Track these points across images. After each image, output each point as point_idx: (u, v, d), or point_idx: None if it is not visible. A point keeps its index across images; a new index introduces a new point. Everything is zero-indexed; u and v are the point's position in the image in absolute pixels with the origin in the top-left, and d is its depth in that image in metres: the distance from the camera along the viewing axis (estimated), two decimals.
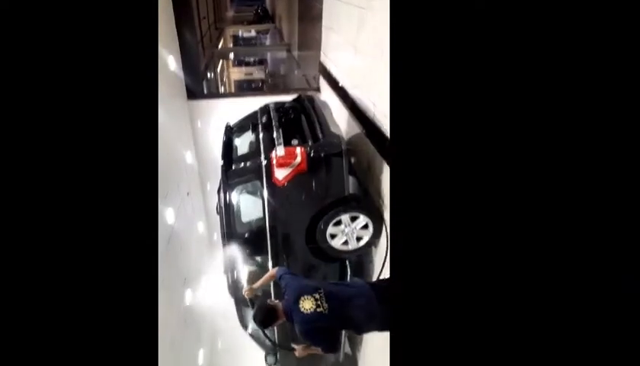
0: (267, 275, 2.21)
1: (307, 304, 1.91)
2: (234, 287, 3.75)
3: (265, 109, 3.39)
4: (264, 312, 2.00)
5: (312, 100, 3.49)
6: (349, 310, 1.95)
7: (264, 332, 3.92)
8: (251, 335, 4.09)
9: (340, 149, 2.87)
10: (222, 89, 12.10)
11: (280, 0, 12.54)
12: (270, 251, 3.34)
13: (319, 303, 1.91)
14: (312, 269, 3.38)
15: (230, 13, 15.65)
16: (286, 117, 3.15)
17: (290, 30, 9.58)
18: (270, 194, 2.99)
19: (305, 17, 6.94)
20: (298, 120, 3.16)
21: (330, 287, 1.99)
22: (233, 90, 14.58)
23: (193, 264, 5.06)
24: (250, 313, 4.01)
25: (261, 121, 3.16)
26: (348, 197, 3.11)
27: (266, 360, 4.05)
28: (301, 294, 1.93)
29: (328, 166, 2.90)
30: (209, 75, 8.66)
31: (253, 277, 3.85)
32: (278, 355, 4.05)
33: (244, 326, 4.06)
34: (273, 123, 3.01)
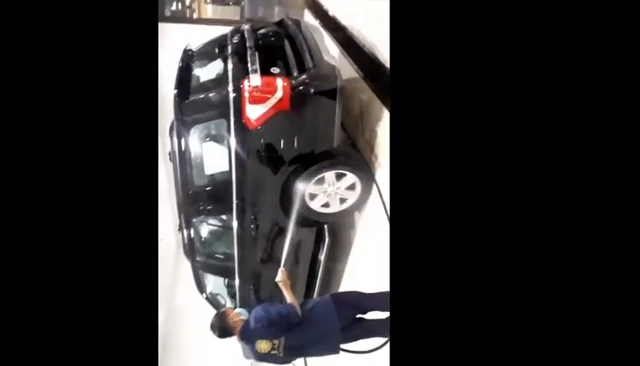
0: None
1: (263, 346, 1.94)
2: (190, 248, 3.21)
3: (238, 31, 2.63)
4: (221, 326, 2.01)
5: (298, 23, 2.77)
6: (307, 351, 2.11)
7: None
8: (207, 299, 3.65)
9: (334, 84, 2.23)
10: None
11: None
12: (235, 210, 2.78)
13: (276, 348, 1.95)
14: (283, 234, 2.88)
15: None
16: (265, 40, 2.44)
17: None
18: (239, 138, 2.35)
19: None
20: (280, 45, 2.46)
21: (292, 335, 1.97)
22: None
23: None
24: (206, 278, 3.52)
25: (232, 44, 2.42)
26: (336, 149, 2.56)
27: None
28: (259, 337, 1.94)
29: (317, 106, 2.27)
30: (174, 6, 7.54)
31: (214, 239, 3.33)
32: None
33: (201, 290, 3.59)
34: (248, 47, 2.30)
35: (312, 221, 2.88)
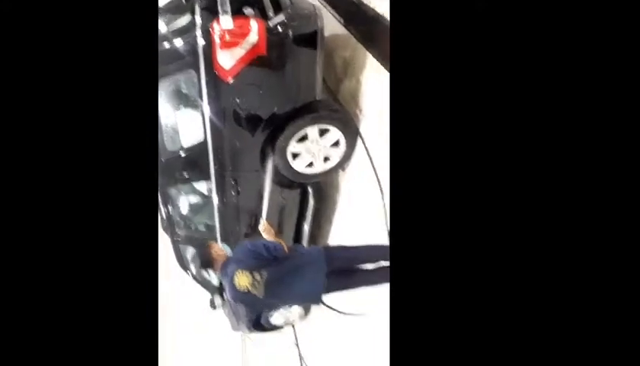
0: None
1: (242, 280, 1.78)
2: (169, 222, 3.01)
3: None
4: (203, 257, 1.97)
5: None
6: (287, 292, 1.92)
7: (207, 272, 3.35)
8: (194, 278, 3.50)
9: (315, 25, 2.03)
10: None
11: None
12: (213, 176, 2.59)
13: (256, 285, 1.80)
14: (266, 199, 2.74)
15: None
16: None
17: None
18: (212, 93, 2.13)
19: None
20: None
21: (276, 270, 1.85)
22: None
23: None
24: (188, 253, 3.35)
25: None
26: (319, 102, 2.40)
27: (212, 303, 3.51)
28: (240, 267, 1.80)
29: (297, 51, 2.08)
30: None
31: (194, 210, 3.15)
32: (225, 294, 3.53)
33: (184, 267, 3.43)
34: None
35: (295, 183, 2.75)
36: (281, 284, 1.87)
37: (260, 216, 2.64)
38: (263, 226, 2.03)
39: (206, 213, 2.84)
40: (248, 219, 2.90)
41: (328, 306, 2.87)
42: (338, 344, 3.46)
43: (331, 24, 2.79)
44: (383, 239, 2.39)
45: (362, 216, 2.77)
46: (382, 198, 2.48)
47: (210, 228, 2.95)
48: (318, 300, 2.08)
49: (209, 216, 2.88)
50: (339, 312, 2.86)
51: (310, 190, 2.94)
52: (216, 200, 2.70)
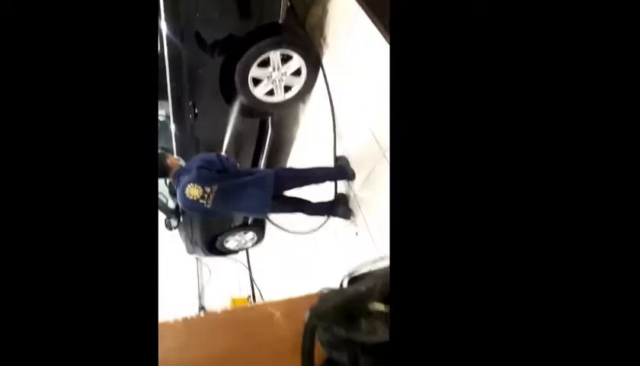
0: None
1: (193, 191, 1.90)
2: None
3: None
4: (159, 167, 2.01)
5: None
6: (235, 204, 2.04)
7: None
8: None
9: None
10: None
11: None
12: (170, 99, 2.51)
13: (205, 197, 1.92)
14: (224, 126, 2.74)
15: None
16: None
17: None
18: (169, 6, 2.01)
19: None
20: None
21: (226, 185, 1.97)
22: None
23: None
24: None
25: None
26: (282, 25, 2.35)
27: (167, 224, 3.57)
28: (192, 181, 1.91)
29: None
30: None
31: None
32: (181, 218, 3.60)
33: None
34: None
35: (254, 112, 2.76)
36: (229, 197, 1.99)
37: (222, 145, 2.66)
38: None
39: (163, 138, 2.79)
40: (206, 146, 2.90)
41: (274, 224, 3.10)
42: (287, 268, 3.78)
43: None
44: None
45: (317, 150, 2.90)
46: (334, 129, 2.60)
47: (167, 150, 2.91)
48: (265, 211, 2.31)
49: (166, 141, 2.83)
50: (284, 230, 3.11)
51: (269, 120, 2.97)
52: (172, 120, 2.65)
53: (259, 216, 3.62)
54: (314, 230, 2.78)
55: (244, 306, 1.32)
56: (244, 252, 4.73)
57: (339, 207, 2.45)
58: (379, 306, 0.78)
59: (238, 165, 2.13)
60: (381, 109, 2.14)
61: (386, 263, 0.91)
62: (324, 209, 2.51)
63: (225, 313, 0.89)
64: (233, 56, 2.37)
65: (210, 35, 2.25)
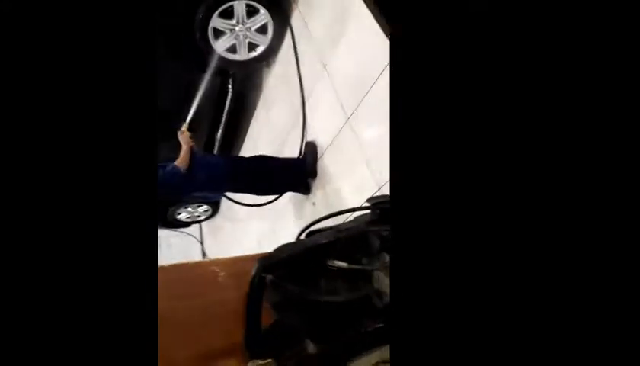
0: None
1: None
2: None
3: None
4: None
5: None
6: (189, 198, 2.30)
7: None
8: None
9: None
10: None
11: None
12: None
13: None
14: (179, 80, 2.51)
15: None
16: None
17: None
18: None
19: None
20: None
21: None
22: None
23: None
24: None
25: None
26: None
27: None
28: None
29: None
30: None
31: None
32: None
33: None
34: None
35: (216, 67, 2.56)
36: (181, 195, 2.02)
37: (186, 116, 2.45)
38: (183, 129, 2.06)
39: None
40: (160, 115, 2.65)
41: (229, 199, 2.96)
42: (243, 243, 3.65)
43: None
44: (294, 152, 2.46)
45: (280, 126, 2.77)
46: (303, 108, 2.47)
47: None
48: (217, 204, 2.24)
49: None
50: (240, 203, 2.98)
51: (230, 82, 2.78)
52: None
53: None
54: (270, 202, 2.66)
55: (185, 262, 1.20)
56: (198, 225, 4.52)
57: (302, 179, 2.35)
58: (340, 263, 0.68)
59: (185, 166, 2.01)
60: (347, 75, 2.05)
61: (348, 217, 0.82)
62: (284, 183, 2.40)
63: (164, 269, 0.78)
64: (192, 4, 2.15)
65: None
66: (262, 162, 2.35)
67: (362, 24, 1.87)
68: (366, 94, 1.89)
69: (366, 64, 1.88)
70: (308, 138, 2.43)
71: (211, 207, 3.99)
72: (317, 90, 2.35)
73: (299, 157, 2.42)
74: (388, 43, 1.66)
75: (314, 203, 2.35)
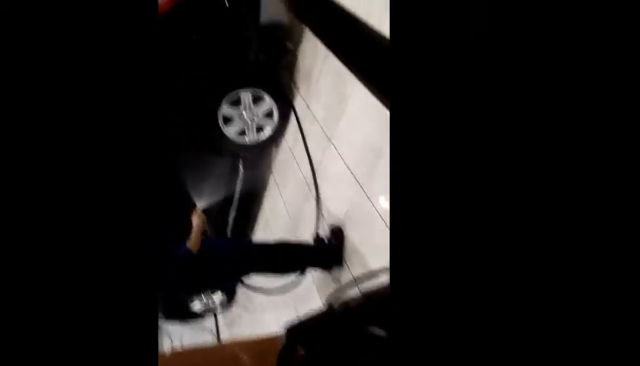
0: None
1: None
2: None
3: None
4: None
5: None
6: (202, 286, 2.16)
7: None
8: None
9: None
10: None
11: None
12: None
13: None
14: (191, 165, 2.63)
15: None
16: None
17: None
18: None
19: None
20: None
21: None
22: None
23: None
24: None
25: None
26: (254, 66, 2.40)
27: None
28: None
29: (233, 6, 2.08)
30: None
31: None
32: None
33: None
34: None
35: (227, 151, 2.68)
36: (194, 281, 1.93)
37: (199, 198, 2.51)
38: (197, 210, 1.96)
39: None
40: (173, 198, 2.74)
41: (246, 286, 2.79)
42: (260, 332, 3.37)
43: None
44: (310, 227, 2.40)
45: (293, 202, 2.78)
46: (315, 183, 2.49)
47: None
48: (233, 291, 2.15)
49: None
50: (260, 291, 2.79)
51: (241, 164, 2.89)
52: None
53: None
54: (291, 286, 2.47)
55: (203, 347, 1.07)
56: (212, 317, 4.25)
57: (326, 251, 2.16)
58: (378, 331, 0.54)
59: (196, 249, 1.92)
60: (352, 145, 2.10)
61: (375, 282, 0.73)
62: (305, 258, 2.26)
63: (180, 355, 0.71)
64: (204, 91, 2.36)
65: (182, 60, 2.24)
66: (282, 249, 2.22)
67: (361, 100, 1.98)
68: (376, 164, 1.90)
69: (372, 135, 1.93)
70: (323, 212, 2.38)
71: (226, 294, 3.80)
72: (325, 163, 2.39)
73: (317, 235, 2.33)
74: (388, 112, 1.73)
75: (339, 280, 2.20)
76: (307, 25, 2.46)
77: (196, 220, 1.99)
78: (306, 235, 2.45)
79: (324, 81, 2.34)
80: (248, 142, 2.63)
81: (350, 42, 2.02)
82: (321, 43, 2.30)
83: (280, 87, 2.60)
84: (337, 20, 2.06)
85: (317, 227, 2.37)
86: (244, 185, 2.93)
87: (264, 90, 2.44)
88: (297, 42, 2.57)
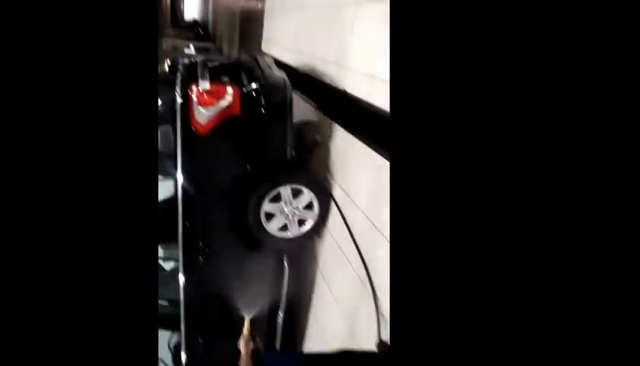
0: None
1: None
2: None
3: (187, 57, 2.71)
4: None
5: (254, 58, 2.91)
6: None
7: None
8: None
9: (285, 94, 2.28)
10: None
11: (220, 22, 12.45)
12: (181, 237, 2.49)
13: None
14: (236, 268, 2.59)
15: (170, 30, 15.26)
16: (216, 61, 2.51)
17: (230, 51, 9.46)
18: (187, 145, 2.22)
19: (246, 38, 6.84)
20: (234, 67, 2.53)
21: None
22: None
23: None
24: None
25: (181, 64, 2.46)
26: (290, 162, 2.50)
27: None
28: None
29: (269, 115, 2.27)
30: None
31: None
32: None
33: None
34: (198, 63, 2.34)
35: (270, 250, 2.64)
36: None
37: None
38: (246, 331, 1.71)
39: (170, 284, 2.62)
40: (219, 305, 2.66)
41: None
42: None
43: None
44: (370, 330, 2.10)
45: (345, 302, 2.56)
46: (369, 278, 2.29)
47: (173, 302, 2.68)
48: None
49: (174, 288, 2.65)
50: None
51: (285, 260, 2.81)
52: (181, 263, 2.53)
53: None
54: None
55: None
56: None
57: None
58: None
59: None
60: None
61: None
62: None
63: None
64: (246, 190, 2.45)
65: (222, 173, 2.39)
66: (345, 362, 1.93)
67: None
68: None
69: None
70: (383, 310, 2.10)
71: None
72: (378, 257, 2.21)
73: (380, 340, 2.02)
74: None
75: None
76: (334, 121, 2.62)
77: (243, 347, 1.70)
78: (367, 342, 2.14)
79: (360, 169, 2.35)
80: (291, 236, 2.59)
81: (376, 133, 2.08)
82: (349, 133, 2.39)
83: (317, 178, 2.65)
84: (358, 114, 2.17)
85: (379, 331, 2.07)
86: (290, 284, 2.79)
87: (302, 184, 2.49)
88: (328, 135, 2.70)
